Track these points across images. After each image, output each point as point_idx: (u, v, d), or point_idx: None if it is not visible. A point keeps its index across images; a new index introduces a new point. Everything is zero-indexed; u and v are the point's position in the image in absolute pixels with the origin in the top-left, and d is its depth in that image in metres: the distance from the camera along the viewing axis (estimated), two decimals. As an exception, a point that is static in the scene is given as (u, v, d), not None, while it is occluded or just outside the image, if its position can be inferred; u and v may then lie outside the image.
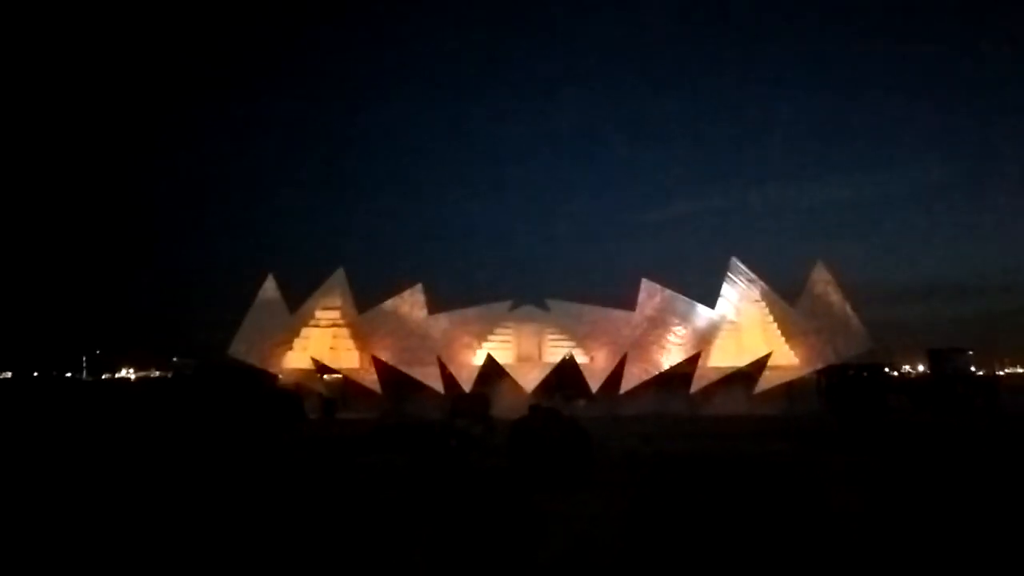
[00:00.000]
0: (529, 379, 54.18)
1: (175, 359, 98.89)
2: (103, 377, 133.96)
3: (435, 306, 58.47)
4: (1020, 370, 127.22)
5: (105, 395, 78.01)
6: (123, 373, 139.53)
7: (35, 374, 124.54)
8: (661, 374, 54.86)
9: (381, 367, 55.99)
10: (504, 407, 43.76)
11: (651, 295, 57.03)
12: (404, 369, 55.28)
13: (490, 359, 56.13)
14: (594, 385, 54.09)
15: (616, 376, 54.51)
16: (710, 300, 56.76)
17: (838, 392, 51.59)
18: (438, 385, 54.21)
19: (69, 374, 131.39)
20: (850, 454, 23.66)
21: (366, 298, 59.31)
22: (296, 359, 56.38)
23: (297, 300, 58.28)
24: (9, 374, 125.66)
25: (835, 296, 54.40)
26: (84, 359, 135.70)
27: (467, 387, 53.56)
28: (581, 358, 56.34)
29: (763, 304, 55.41)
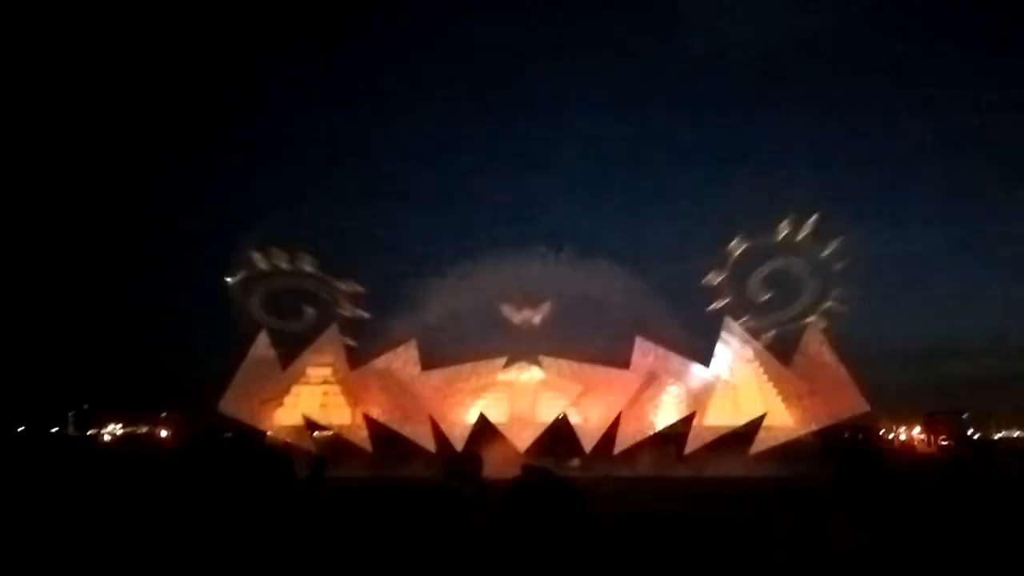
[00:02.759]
0: (522, 438, 53.50)
1: (163, 415, 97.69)
2: (89, 433, 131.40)
3: (428, 362, 57.96)
4: (1016, 433, 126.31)
5: (92, 452, 76.66)
6: (110, 428, 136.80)
7: (20, 429, 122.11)
8: (656, 434, 54.36)
9: (372, 425, 55.35)
10: (496, 466, 43.07)
11: (645, 354, 56.88)
12: (395, 427, 54.63)
13: (483, 417, 55.56)
14: (588, 445, 53.47)
15: (610, 436, 53.96)
16: (705, 359, 56.74)
17: (835, 454, 51.17)
18: (430, 444, 53.47)
19: (55, 429, 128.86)
20: (849, 517, 23.27)
21: (359, 353, 58.68)
22: (287, 416, 55.73)
23: (290, 356, 57.84)
24: None
25: (829, 357, 54.40)
26: (71, 414, 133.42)
27: (459, 445, 52.68)
28: (575, 417, 55.81)
29: (757, 364, 55.40)
